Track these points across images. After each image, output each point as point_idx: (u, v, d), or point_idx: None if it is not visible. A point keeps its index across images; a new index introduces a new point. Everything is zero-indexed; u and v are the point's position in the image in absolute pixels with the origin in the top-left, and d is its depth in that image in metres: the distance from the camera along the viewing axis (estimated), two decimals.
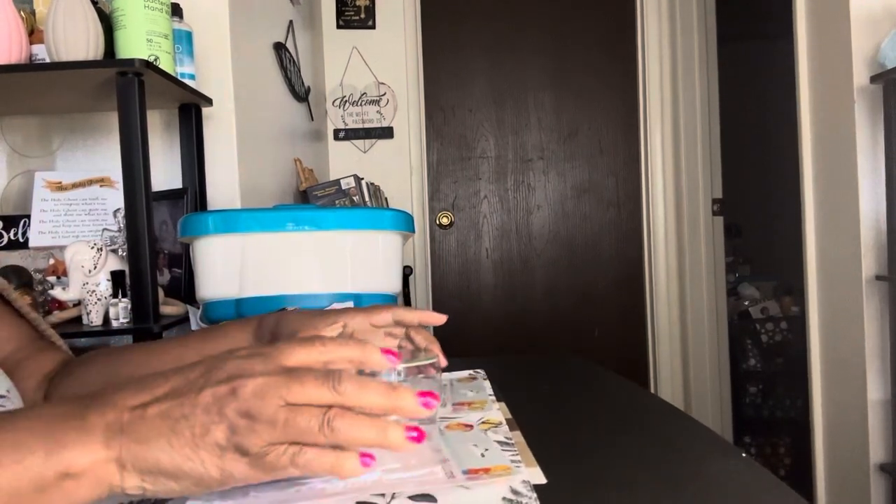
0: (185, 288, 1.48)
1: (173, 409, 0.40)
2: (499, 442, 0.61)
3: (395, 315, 0.67)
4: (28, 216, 1.54)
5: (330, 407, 0.41)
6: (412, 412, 0.42)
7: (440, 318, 0.66)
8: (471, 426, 0.67)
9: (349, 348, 0.45)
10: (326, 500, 0.49)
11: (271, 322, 0.69)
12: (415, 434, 0.42)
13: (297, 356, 0.43)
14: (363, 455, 0.41)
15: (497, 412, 0.71)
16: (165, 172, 1.62)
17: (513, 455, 0.57)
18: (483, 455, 0.59)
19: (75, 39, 1.23)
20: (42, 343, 0.75)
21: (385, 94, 2.87)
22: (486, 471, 0.55)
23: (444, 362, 0.65)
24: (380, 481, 0.51)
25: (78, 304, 1.30)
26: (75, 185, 1.56)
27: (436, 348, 0.66)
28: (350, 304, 1.03)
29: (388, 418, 0.42)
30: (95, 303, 1.25)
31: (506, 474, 0.53)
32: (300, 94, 2.30)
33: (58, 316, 1.31)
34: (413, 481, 0.52)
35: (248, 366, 0.41)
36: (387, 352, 0.46)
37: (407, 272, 2.75)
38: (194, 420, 0.39)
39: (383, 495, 0.49)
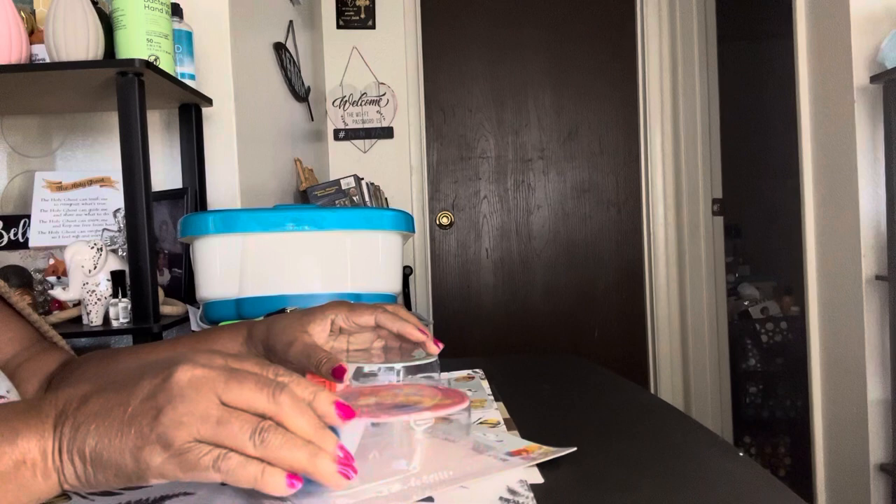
0: (185, 288, 1.48)
1: (111, 396, 0.39)
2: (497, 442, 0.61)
3: (378, 319, 0.64)
4: (28, 216, 1.54)
5: (265, 417, 0.39)
6: (323, 469, 0.40)
7: (420, 337, 0.63)
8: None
9: (302, 418, 0.41)
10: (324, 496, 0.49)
11: (262, 331, 0.66)
12: (345, 470, 0.40)
13: (242, 392, 0.40)
14: (290, 476, 0.39)
15: (495, 412, 0.71)
16: (165, 172, 1.62)
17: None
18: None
19: (75, 39, 1.23)
20: (44, 344, 0.75)
21: (385, 94, 2.87)
22: (527, 451, 0.58)
23: (435, 349, 0.63)
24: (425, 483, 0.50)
25: (78, 304, 1.30)
26: (75, 185, 1.56)
27: (426, 337, 0.64)
28: None
29: (326, 436, 0.41)
30: (95, 303, 1.25)
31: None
32: (300, 94, 2.30)
33: (58, 316, 1.32)
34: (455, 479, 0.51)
35: (192, 356, 0.41)
36: (340, 407, 0.42)
37: (407, 272, 2.75)
38: (126, 406, 0.38)
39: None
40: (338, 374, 0.56)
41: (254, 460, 0.39)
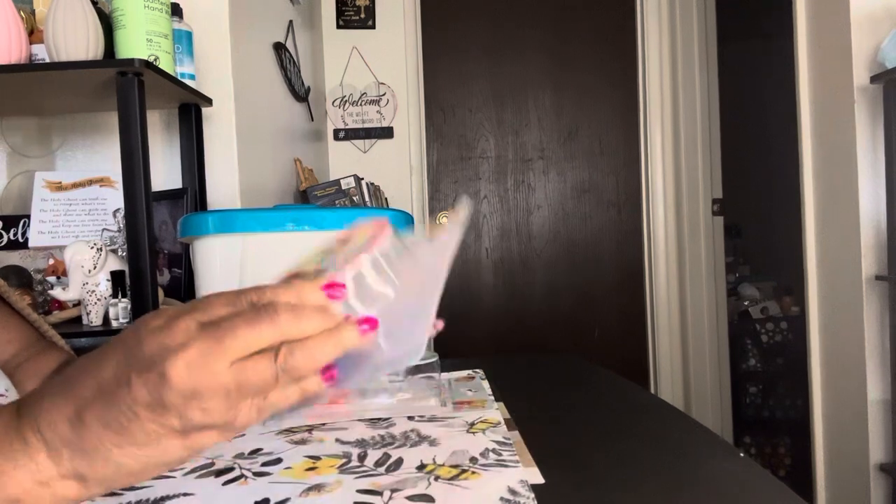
0: (184, 288, 1.48)
1: (110, 413, 0.36)
2: (497, 442, 0.61)
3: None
4: (28, 216, 1.54)
5: (276, 349, 0.37)
6: (350, 343, 0.39)
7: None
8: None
9: (310, 319, 0.38)
10: (324, 497, 0.49)
11: None
12: (366, 327, 0.40)
13: (241, 336, 0.36)
14: (324, 374, 0.38)
15: (496, 412, 0.71)
16: (165, 172, 1.62)
17: (511, 455, 0.57)
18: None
19: (75, 39, 1.23)
20: (43, 344, 0.75)
21: (385, 94, 2.87)
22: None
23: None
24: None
25: (78, 304, 1.30)
26: (75, 185, 1.56)
27: None
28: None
29: (336, 315, 0.39)
30: (95, 303, 1.25)
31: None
32: (300, 94, 2.30)
33: (57, 316, 1.31)
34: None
35: (167, 339, 0.36)
36: (328, 288, 0.40)
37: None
38: (142, 419, 0.36)
39: (381, 494, 0.49)
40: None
41: (288, 386, 0.37)
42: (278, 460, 0.58)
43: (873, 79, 1.73)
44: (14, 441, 0.36)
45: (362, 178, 2.19)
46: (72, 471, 0.37)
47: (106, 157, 1.64)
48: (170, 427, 0.36)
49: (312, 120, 2.54)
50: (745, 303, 3.35)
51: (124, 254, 1.34)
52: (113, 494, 0.50)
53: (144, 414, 0.35)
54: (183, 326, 0.36)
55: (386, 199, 2.63)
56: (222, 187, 1.64)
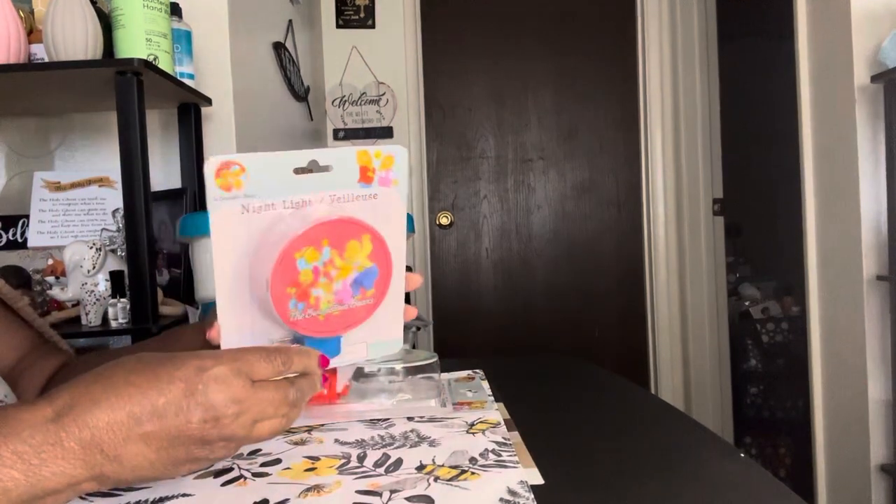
0: (183, 288, 1.48)
1: (156, 438, 0.42)
2: (497, 442, 0.61)
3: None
4: (27, 216, 1.54)
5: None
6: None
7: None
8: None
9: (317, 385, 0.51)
10: (324, 497, 0.48)
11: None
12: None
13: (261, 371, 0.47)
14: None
15: (496, 412, 0.71)
16: (164, 172, 1.62)
17: (510, 455, 0.57)
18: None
19: (74, 39, 1.23)
20: (46, 347, 0.74)
21: (384, 93, 2.87)
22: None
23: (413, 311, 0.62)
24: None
25: (77, 304, 1.30)
26: (74, 185, 1.56)
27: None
28: None
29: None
30: (94, 303, 1.25)
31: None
32: (300, 93, 2.29)
33: (56, 316, 1.31)
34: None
35: (231, 396, 0.44)
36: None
37: (407, 272, 2.74)
38: (180, 449, 0.43)
39: (380, 495, 0.49)
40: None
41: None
42: (277, 461, 0.57)
43: (874, 78, 1.72)
44: (48, 443, 0.40)
45: None
46: (100, 474, 0.42)
47: (105, 157, 1.64)
48: (204, 457, 0.44)
49: (312, 119, 2.54)
50: (746, 303, 3.35)
51: (123, 254, 1.33)
52: (111, 495, 0.50)
53: (190, 448, 0.43)
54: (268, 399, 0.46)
55: None
56: None
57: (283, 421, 0.47)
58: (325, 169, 0.51)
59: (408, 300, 0.56)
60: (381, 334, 0.57)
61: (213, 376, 0.44)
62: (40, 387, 0.70)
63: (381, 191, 0.52)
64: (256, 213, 0.48)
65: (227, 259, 0.49)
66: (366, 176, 0.52)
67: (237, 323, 0.50)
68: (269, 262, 0.47)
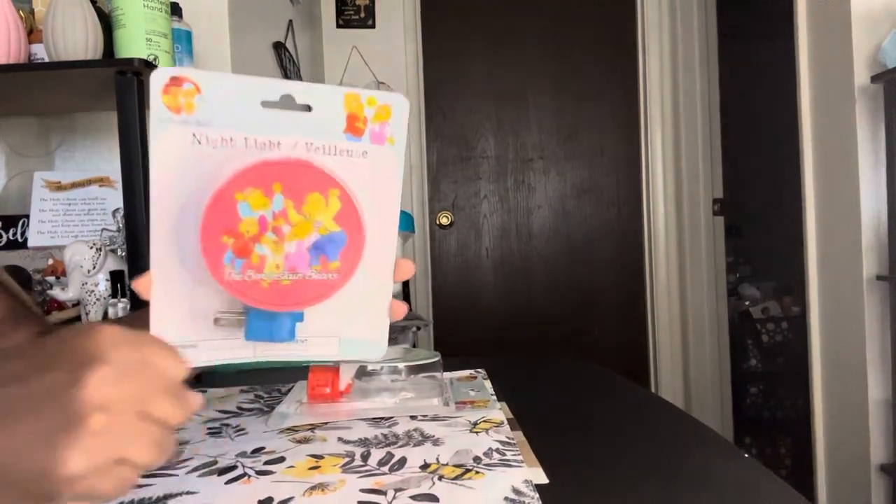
0: None
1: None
2: (500, 442, 0.61)
3: None
4: (27, 216, 1.53)
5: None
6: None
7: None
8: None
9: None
10: (328, 496, 0.48)
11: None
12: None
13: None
14: None
15: (498, 412, 0.71)
16: None
17: (514, 455, 0.57)
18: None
19: (74, 39, 1.22)
20: (26, 314, 0.72)
21: None
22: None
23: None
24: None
25: (77, 304, 1.30)
26: (74, 185, 1.56)
27: None
28: None
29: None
30: (94, 303, 1.24)
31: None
32: None
33: (57, 316, 1.31)
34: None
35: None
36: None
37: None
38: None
39: (384, 493, 0.49)
40: None
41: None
42: (281, 459, 0.57)
43: (874, 78, 1.72)
44: None
45: None
46: None
47: (105, 157, 1.64)
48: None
49: None
50: (746, 303, 3.35)
51: (124, 254, 1.33)
52: None
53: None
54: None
55: None
56: None
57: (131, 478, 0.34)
58: (303, 109, 0.42)
59: (406, 296, 0.49)
60: (356, 330, 0.47)
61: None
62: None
63: (371, 149, 0.43)
64: (210, 147, 0.40)
65: (167, 198, 0.41)
66: (354, 127, 0.43)
67: (172, 282, 0.42)
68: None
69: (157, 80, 0.39)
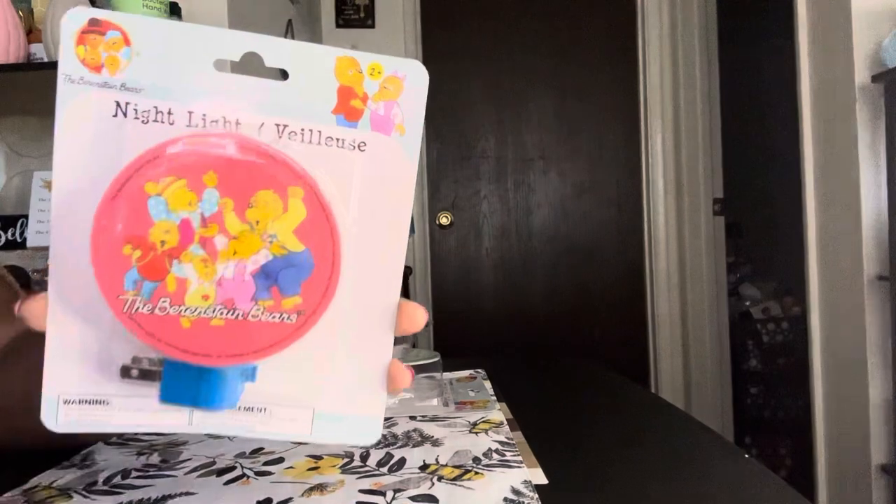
0: None
1: None
2: (500, 442, 0.60)
3: None
4: (26, 216, 1.53)
5: None
6: None
7: None
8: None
9: None
10: (327, 497, 0.48)
11: None
12: None
13: None
14: None
15: (498, 412, 0.70)
16: None
17: (514, 455, 0.57)
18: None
19: None
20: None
21: None
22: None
23: None
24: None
25: None
26: None
27: None
28: None
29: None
30: None
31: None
32: None
33: None
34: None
35: None
36: None
37: (407, 272, 2.74)
38: None
39: (384, 494, 0.49)
40: None
41: None
42: (280, 459, 0.57)
43: (875, 78, 1.72)
44: None
45: None
46: None
47: None
48: None
49: None
50: (746, 303, 3.35)
51: None
52: (112, 493, 0.50)
53: None
54: None
55: None
56: None
57: None
58: (277, 77, 0.31)
59: (406, 297, 0.33)
60: (337, 402, 0.33)
61: None
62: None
63: (372, 139, 0.31)
64: (139, 122, 0.29)
65: (73, 191, 0.28)
66: (348, 106, 0.30)
67: (70, 307, 0.29)
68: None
69: (70, 24, 0.28)
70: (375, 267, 0.32)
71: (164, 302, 0.28)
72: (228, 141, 0.28)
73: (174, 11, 1.44)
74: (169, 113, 0.29)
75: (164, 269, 0.28)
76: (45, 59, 1.27)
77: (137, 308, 0.28)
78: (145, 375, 0.30)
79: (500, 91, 2.99)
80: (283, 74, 0.30)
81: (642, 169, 2.99)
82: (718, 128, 2.93)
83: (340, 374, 0.32)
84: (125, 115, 0.29)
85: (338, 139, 0.30)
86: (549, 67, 2.99)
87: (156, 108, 0.29)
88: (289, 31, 2.21)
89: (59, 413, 0.30)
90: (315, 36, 2.72)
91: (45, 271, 1.42)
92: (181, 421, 0.32)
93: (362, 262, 0.31)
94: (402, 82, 0.31)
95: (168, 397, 0.30)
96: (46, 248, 1.51)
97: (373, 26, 2.86)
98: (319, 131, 0.30)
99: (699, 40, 2.89)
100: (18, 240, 1.53)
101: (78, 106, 0.28)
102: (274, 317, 0.29)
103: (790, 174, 2.25)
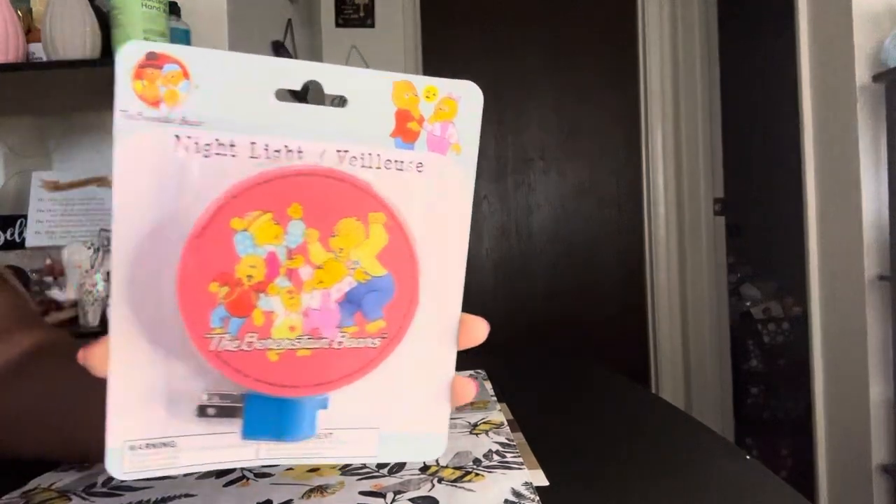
0: None
1: None
2: (500, 443, 0.60)
3: None
4: (25, 216, 1.53)
5: None
6: None
7: None
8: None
9: None
10: (327, 499, 0.48)
11: None
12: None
13: None
14: None
15: (499, 413, 0.70)
16: None
17: (515, 457, 0.56)
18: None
19: (72, 38, 1.22)
20: (29, 321, 0.68)
21: None
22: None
23: None
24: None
25: (75, 304, 1.29)
26: (72, 185, 1.55)
27: None
28: None
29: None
30: (92, 303, 1.24)
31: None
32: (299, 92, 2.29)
33: (55, 317, 1.30)
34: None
35: None
36: None
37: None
38: None
39: (384, 496, 0.48)
40: None
41: None
42: None
43: (875, 78, 1.72)
44: None
45: None
46: None
47: (103, 157, 1.63)
48: None
49: None
50: (747, 303, 3.35)
51: None
52: (111, 495, 0.49)
53: None
54: None
55: None
56: None
57: None
58: (336, 103, 0.32)
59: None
60: (404, 420, 0.33)
61: None
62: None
63: (429, 159, 0.32)
64: (201, 156, 0.28)
65: (135, 229, 0.28)
66: (405, 128, 0.31)
67: (138, 351, 0.29)
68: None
69: (126, 59, 0.27)
70: (439, 284, 0.34)
71: (251, 337, 0.28)
72: (310, 171, 0.29)
73: (173, 11, 1.44)
74: (231, 145, 0.29)
75: (251, 304, 0.28)
76: (44, 59, 1.27)
77: (224, 345, 0.28)
78: (223, 412, 0.30)
79: (500, 91, 2.99)
80: (341, 101, 0.31)
81: (642, 169, 2.99)
82: (718, 128, 2.93)
83: (407, 393, 0.33)
84: (186, 149, 0.28)
85: (397, 161, 0.31)
86: (549, 67, 2.99)
87: (217, 140, 0.28)
88: (288, 31, 2.21)
89: (124, 460, 0.29)
90: (314, 35, 2.72)
91: (43, 271, 1.41)
92: (249, 455, 0.32)
93: (428, 280, 0.33)
94: (456, 103, 0.32)
95: (251, 432, 0.30)
96: (44, 249, 1.51)
97: (372, 26, 2.86)
98: (379, 154, 0.31)
99: (699, 40, 2.89)
100: (17, 240, 1.53)
101: (137, 141, 0.28)
102: (358, 342, 0.30)
103: (791, 174, 2.25)
